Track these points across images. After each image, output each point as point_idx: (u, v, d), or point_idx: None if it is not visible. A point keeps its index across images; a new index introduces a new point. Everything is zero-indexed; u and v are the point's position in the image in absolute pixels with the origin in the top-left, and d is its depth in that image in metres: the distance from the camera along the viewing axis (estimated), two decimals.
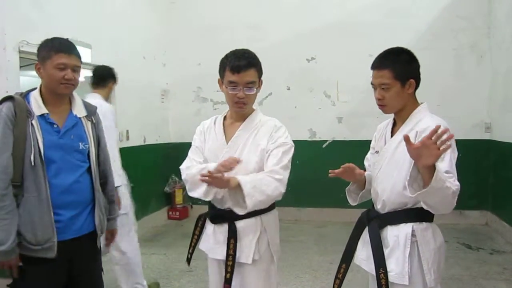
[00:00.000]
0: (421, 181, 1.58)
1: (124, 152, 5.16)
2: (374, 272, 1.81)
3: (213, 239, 2.02)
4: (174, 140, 6.50)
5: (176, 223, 6.05)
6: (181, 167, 2.03)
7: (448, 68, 5.69)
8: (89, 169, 2.11)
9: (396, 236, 1.81)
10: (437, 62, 5.60)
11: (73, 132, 2.05)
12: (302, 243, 5.01)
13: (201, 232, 2.14)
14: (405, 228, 1.80)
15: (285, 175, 1.93)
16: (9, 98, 1.95)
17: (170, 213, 6.29)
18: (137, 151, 5.48)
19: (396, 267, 1.78)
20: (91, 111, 2.19)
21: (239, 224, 1.95)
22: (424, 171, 1.53)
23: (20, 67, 3.63)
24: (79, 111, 2.12)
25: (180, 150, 6.46)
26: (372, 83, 1.89)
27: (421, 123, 1.80)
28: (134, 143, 5.41)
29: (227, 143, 2.00)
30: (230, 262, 1.92)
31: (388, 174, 1.86)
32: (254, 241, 1.95)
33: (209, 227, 2.07)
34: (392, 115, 1.98)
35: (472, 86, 5.64)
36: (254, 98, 1.96)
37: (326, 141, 6.08)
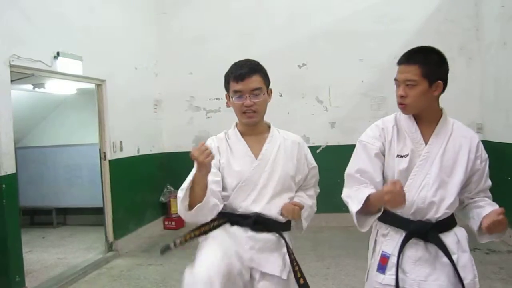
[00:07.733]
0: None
1: (118, 163, 5.18)
2: None
3: (251, 246, 1.84)
4: (168, 150, 6.49)
5: (173, 233, 6.01)
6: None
7: None
8: None
9: (456, 242, 1.77)
10: None
11: None
12: (299, 249, 4.92)
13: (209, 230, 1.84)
14: (461, 232, 1.80)
15: None
16: None
17: (166, 223, 6.26)
18: (131, 162, 5.46)
19: (468, 273, 1.73)
20: None
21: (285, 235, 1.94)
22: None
23: (11, 81, 3.59)
24: None
25: (174, 160, 6.49)
26: (396, 79, 1.77)
27: (461, 130, 1.82)
28: (128, 154, 5.39)
29: (255, 158, 1.88)
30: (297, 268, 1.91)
31: (443, 181, 1.77)
32: (287, 255, 1.93)
33: (241, 231, 1.83)
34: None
35: (462, 87, 5.68)
36: (263, 106, 1.85)
37: (319, 146, 6.09)
